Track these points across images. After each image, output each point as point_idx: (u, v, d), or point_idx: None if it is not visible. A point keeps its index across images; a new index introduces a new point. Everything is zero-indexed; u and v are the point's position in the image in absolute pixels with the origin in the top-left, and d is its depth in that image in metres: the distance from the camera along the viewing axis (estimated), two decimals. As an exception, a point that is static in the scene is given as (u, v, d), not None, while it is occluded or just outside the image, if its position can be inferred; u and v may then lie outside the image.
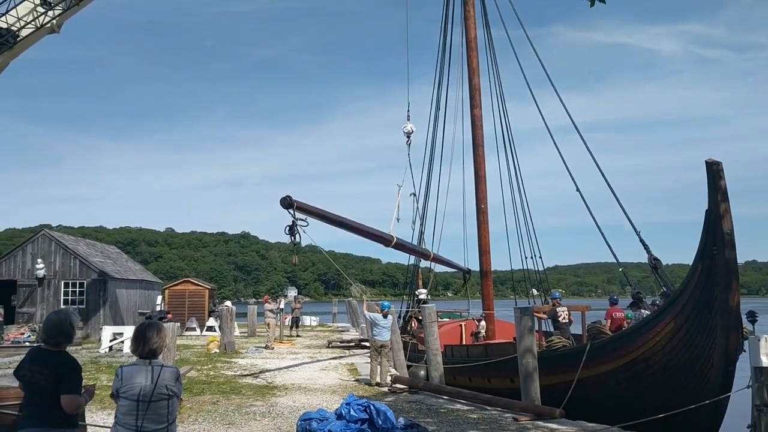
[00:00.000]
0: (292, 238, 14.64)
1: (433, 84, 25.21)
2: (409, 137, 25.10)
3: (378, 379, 14.84)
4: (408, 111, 25.33)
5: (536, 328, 14.29)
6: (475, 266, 22.45)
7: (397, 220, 22.50)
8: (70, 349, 5.10)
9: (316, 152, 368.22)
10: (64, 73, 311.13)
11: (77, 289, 30.11)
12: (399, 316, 24.23)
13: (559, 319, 15.83)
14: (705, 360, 10.98)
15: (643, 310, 14.99)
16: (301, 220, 14.78)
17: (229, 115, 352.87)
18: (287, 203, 14.56)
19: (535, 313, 16.43)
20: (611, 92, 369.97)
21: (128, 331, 23.24)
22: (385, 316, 15.20)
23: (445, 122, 24.80)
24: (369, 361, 15.71)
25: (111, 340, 23.44)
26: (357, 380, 15.82)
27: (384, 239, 19.28)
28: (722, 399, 10.64)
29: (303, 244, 15.29)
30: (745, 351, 10.04)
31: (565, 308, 16.41)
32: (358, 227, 17.96)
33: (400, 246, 21.31)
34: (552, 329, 16.60)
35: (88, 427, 7.14)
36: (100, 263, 32.03)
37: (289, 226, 14.62)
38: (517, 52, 21.00)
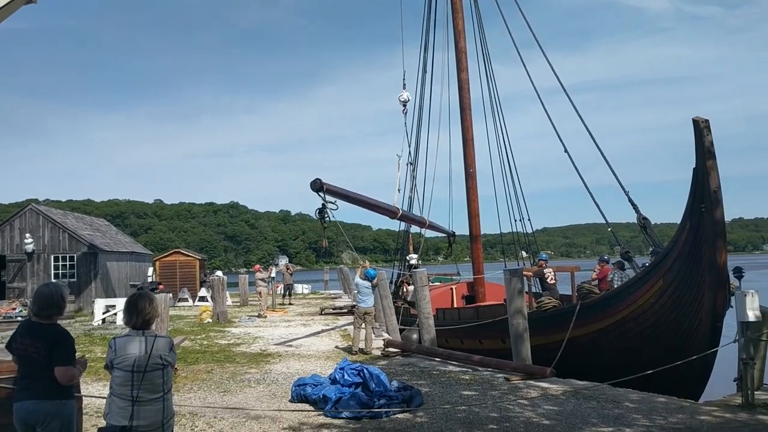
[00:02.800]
0: (322, 220, 14.52)
1: (420, 47, 25.02)
2: (405, 106, 24.93)
3: (361, 346, 14.76)
4: (404, 79, 25.16)
5: (526, 289, 14.42)
6: (464, 230, 22.51)
7: (399, 190, 22.52)
8: (63, 322, 5.10)
9: (307, 119, 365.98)
10: (50, 45, 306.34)
11: (67, 263, 30.03)
12: (390, 282, 24.36)
13: (547, 280, 15.97)
14: (693, 316, 11.14)
15: (623, 271, 14.95)
16: (331, 203, 14.64)
17: (218, 84, 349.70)
18: (318, 186, 14.38)
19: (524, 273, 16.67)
20: (600, 52, 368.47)
21: (120, 303, 23.27)
22: (373, 286, 15.11)
23: (432, 86, 24.70)
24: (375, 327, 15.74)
25: (104, 313, 23.49)
26: (350, 346, 15.94)
27: (391, 212, 19.30)
28: (710, 354, 10.82)
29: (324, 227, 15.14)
30: (732, 306, 10.19)
31: (551, 269, 16.59)
32: (373, 203, 17.97)
33: (404, 217, 21.35)
34: (541, 290, 16.80)
35: (83, 398, 7.18)
36: (90, 236, 31.90)
37: (319, 209, 14.49)
38: (506, 13, 20.75)
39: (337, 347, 15.86)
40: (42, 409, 4.78)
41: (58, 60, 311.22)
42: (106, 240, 34.32)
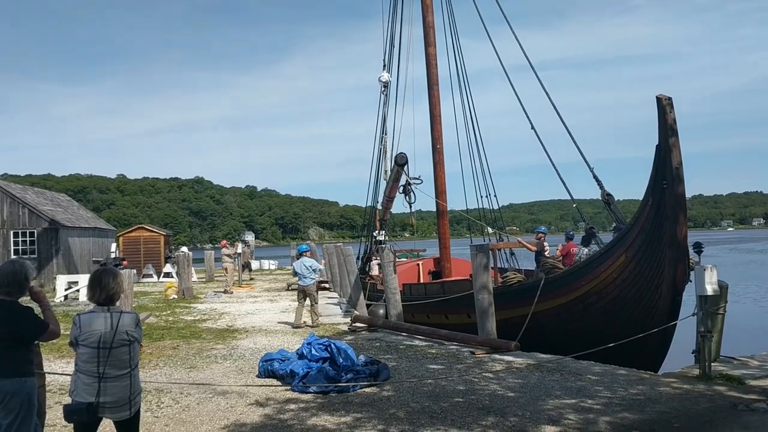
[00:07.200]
0: (406, 197, 14.19)
1: (387, 22, 24.78)
2: (385, 87, 24.59)
3: (299, 322, 15.15)
4: (384, 60, 24.81)
5: (492, 264, 14.55)
6: (431, 206, 22.57)
7: (385, 172, 22.47)
8: (23, 300, 5.00)
9: (275, 94, 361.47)
10: (7, 14, 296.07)
11: (27, 239, 29.44)
12: (358, 257, 24.39)
13: (545, 253, 16.15)
14: (654, 290, 11.38)
15: (593, 246, 15.22)
16: (415, 179, 14.27)
17: (184, 57, 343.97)
18: (404, 161, 13.98)
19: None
20: (572, 30, 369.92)
21: (83, 279, 22.94)
22: (298, 258, 15.25)
23: (400, 62, 24.52)
24: (317, 303, 15.98)
25: (66, 289, 23.14)
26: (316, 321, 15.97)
27: (393, 191, 19.35)
28: (669, 327, 11.09)
29: (412, 203, 14.78)
30: (691, 281, 10.43)
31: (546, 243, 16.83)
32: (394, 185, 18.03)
33: (392, 199, 21.49)
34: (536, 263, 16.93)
35: (47, 375, 7.08)
36: (51, 212, 31.27)
37: (403, 185, 14.14)
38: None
39: (304, 322, 15.86)
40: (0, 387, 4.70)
41: (18, 30, 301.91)
42: (68, 215, 33.68)
